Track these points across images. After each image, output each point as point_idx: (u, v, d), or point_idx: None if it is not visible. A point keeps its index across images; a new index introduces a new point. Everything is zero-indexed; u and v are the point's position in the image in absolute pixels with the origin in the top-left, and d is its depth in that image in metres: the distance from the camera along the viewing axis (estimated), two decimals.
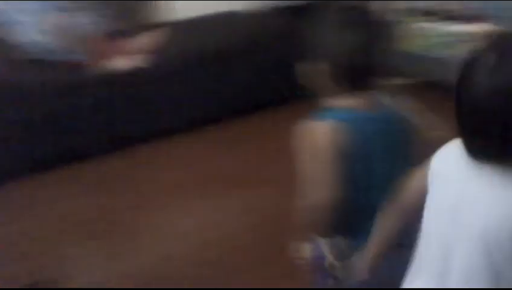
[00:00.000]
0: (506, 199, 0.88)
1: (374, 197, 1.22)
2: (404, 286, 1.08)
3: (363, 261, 1.21)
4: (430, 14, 3.64)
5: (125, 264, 2.23)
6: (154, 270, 2.17)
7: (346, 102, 1.24)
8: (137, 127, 3.24)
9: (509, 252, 0.87)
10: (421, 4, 3.65)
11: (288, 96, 3.52)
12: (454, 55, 3.30)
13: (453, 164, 0.97)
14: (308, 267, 1.24)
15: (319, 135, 1.19)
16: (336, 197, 1.17)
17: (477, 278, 0.91)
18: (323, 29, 1.26)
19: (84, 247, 2.33)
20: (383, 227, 1.17)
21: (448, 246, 0.96)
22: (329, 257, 1.22)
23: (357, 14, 1.26)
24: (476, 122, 0.89)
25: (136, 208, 2.60)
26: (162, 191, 2.73)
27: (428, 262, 1.02)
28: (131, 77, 3.19)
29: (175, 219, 2.52)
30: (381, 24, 1.27)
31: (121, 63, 3.15)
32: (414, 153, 1.27)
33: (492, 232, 0.88)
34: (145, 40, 3.31)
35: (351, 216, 1.25)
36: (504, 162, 0.89)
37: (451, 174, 0.97)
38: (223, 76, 3.49)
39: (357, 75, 1.22)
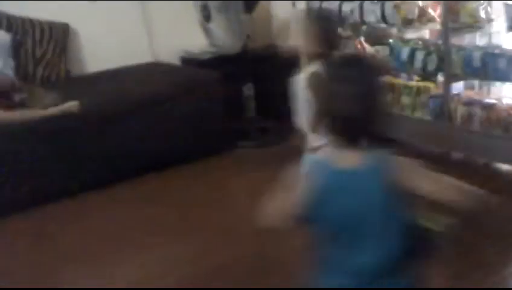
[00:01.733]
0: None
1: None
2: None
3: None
4: None
5: None
6: None
7: (331, 154, 1.35)
8: (61, 180, 3.15)
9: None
10: None
11: (219, 146, 3.52)
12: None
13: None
14: None
15: (291, 174, 1.32)
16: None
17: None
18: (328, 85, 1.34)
19: None
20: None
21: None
22: None
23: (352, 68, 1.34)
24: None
25: (70, 262, 2.53)
26: (94, 244, 2.66)
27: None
28: (51, 130, 3.10)
29: (114, 271, 2.45)
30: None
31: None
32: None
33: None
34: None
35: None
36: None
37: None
38: (150, 127, 3.42)
39: (347, 131, 1.32)
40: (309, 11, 2.15)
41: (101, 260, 2.54)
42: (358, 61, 1.39)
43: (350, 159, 1.30)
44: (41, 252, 2.64)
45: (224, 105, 3.69)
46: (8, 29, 3.69)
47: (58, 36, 3.87)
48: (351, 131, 1.30)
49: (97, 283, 2.36)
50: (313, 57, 1.87)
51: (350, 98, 1.27)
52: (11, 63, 3.60)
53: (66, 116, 3.15)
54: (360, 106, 1.28)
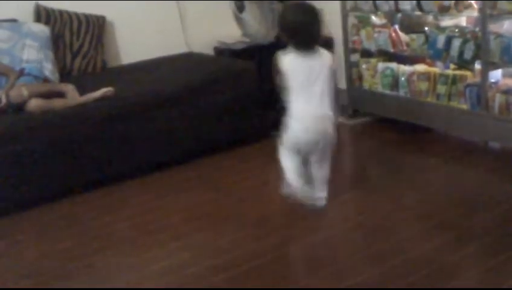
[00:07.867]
0: (320, 59, 2.55)
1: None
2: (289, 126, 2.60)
3: None
4: (382, 55, 3.83)
5: None
6: None
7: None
8: (98, 168, 3.21)
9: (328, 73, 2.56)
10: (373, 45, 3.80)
11: (253, 136, 3.54)
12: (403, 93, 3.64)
13: (296, 58, 2.53)
14: None
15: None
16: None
17: (326, 87, 2.54)
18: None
19: None
20: None
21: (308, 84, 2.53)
22: None
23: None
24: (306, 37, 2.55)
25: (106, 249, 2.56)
26: (127, 232, 2.71)
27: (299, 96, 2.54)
28: (89, 119, 3.16)
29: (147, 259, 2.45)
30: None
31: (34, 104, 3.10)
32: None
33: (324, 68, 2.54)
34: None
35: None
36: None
37: (298, 61, 2.52)
38: (182, 117, 3.45)
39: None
40: None
41: (132, 247, 2.59)
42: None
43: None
44: (72, 237, 2.72)
45: (258, 94, 3.71)
46: (47, 22, 3.78)
47: (95, 28, 3.94)
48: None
49: (124, 267, 2.43)
50: None
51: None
52: (50, 55, 3.69)
53: (102, 107, 3.23)
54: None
